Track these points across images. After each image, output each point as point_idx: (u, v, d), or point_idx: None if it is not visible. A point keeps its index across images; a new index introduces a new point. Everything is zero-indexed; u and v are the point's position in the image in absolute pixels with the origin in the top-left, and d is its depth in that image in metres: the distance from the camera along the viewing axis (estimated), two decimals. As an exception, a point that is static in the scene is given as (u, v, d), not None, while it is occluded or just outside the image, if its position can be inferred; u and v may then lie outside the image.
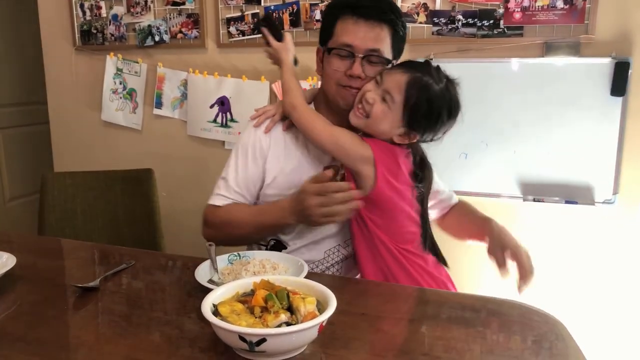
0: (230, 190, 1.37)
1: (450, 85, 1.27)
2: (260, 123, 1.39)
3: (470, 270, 2.27)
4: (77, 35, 2.72)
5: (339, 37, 1.28)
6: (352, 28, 1.26)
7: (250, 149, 1.38)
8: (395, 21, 1.28)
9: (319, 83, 1.43)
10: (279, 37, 1.41)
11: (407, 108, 1.21)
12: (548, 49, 1.99)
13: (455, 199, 1.61)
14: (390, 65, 1.29)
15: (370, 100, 1.22)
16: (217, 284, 1.03)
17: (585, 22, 1.94)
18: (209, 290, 0.94)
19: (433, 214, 1.59)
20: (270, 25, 1.43)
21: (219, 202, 1.37)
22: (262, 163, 1.37)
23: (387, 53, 1.29)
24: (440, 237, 1.96)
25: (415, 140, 1.28)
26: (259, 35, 2.35)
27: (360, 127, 1.27)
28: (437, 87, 1.23)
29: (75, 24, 2.71)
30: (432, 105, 1.22)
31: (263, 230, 1.34)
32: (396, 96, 1.21)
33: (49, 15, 2.79)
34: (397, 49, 1.33)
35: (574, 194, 2.04)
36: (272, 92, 2.34)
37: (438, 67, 1.28)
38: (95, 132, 2.80)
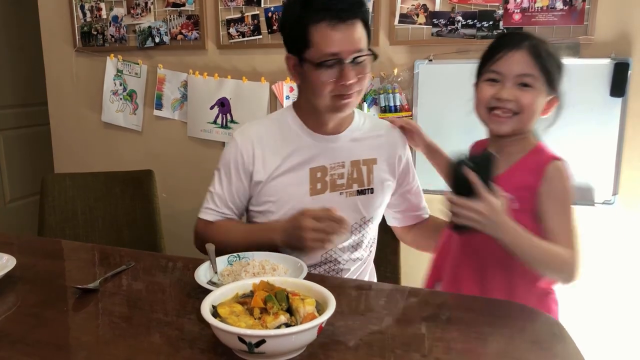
0: (218, 204, 1.39)
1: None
2: None
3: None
4: (77, 37, 2.73)
5: (322, 47, 1.22)
6: (332, 34, 1.21)
7: (233, 165, 1.38)
8: (364, 11, 1.26)
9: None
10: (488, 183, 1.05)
11: (545, 73, 1.19)
12: (547, 50, 1.99)
13: (427, 213, 1.58)
14: (372, 54, 1.28)
15: (510, 97, 1.18)
16: (217, 285, 1.03)
17: (585, 23, 1.94)
18: (208, 291, 0.94)
19: (394, 220, 1.57)
20: (482, 165, 1.06)
21: (209, 217, 1.39)
22: (247, 177, 1.38)
23: (366, 45, 1.27)
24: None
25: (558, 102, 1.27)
26: (259, 37, 2.36)
27: (513, 131, 1.21)
28: (540, 36, 1.23)
29: (76, 26, 2.72)
30: (554, 53, 1.22)
31: (252, 248, 1.27)
32: (532, 71, 1.17)
33: (49, 17, 2.79)
34: (367, 36, 1.29)
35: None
36: (272, 93, 2.35)
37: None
38: (96, 133, 2.80)
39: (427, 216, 1.57)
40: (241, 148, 1.37)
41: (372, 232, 1.48)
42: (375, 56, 1.28)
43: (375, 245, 1.53)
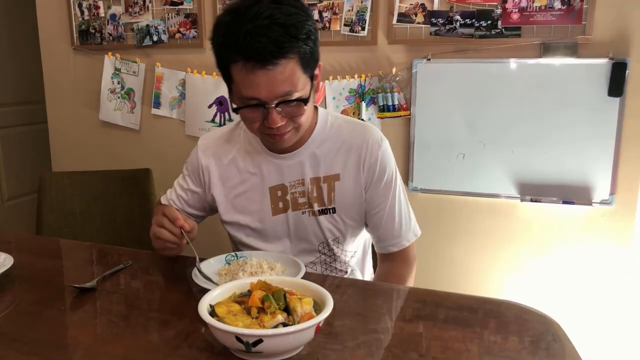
0: (173, 193, 1.41)
1: None
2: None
3: (469, 270, 2.28)
4: (75, 35, 2.72)
5: (241, 89, 1.09)
6: (251, 79, 1.05)
7: (191, 169, 1.37)
8: (297, 45, 1.05)
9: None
10: None
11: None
12: (546, 49, 1.99)
13: (396, 246, 1.32)
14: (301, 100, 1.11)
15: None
16: (215, 284, 1.03)
17: (583, 22, 1.95)
18: (206, 290, 0.94)
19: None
20: None
21: (163, 199, 1.44)
22: (201, 186, 1.36)
23: (302, 85, 1.09)
24: (442, 236, 1.97)
25: None
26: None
27: None
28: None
29: (74, 24, 2.71)
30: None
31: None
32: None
33: (47, 15, 2.79)
34: (313, 62, 1.12)
35: (571, 194, 2.05)
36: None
37: None
38: (93, 131, 2.80)
39: (394, 250, 1.33)
40: (200, 159, 1.34)
41: (350, 248, 1.35)
42: (305, 102, 1.11)
43: (362, 252, 1.43)
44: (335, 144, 1.28)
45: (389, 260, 1.35)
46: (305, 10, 1.09)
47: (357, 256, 1.40)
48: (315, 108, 1.31)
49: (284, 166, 1.28)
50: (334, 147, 1.27)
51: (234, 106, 1.14)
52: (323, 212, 1.28)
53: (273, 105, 1.08)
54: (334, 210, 1.28)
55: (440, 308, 1.03)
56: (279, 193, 1.28)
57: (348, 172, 1.27)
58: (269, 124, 1.10)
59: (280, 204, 1.29)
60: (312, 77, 1.14)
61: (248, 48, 1.03)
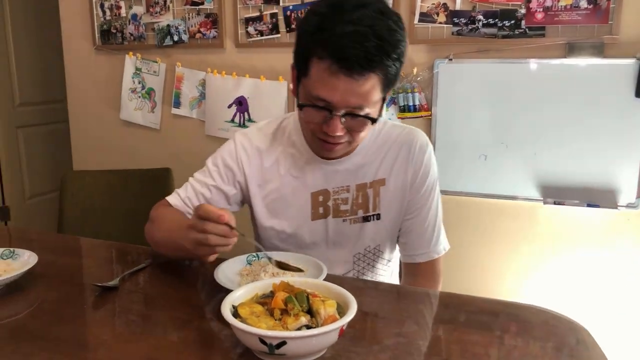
0: (187, 193, 1.27)
1: None
2: None
3: (491, 273, 2.25)
4: (97, 35, 2.75)
5: (314, 87, 1.04)
6: (330, 81, 1.01)
7: (222, 164, 1.27)
8: (386, 64, 1.01)
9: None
10: None
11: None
12: (571, 49, 1.96)
13: (423, 257, 1.28)
14: (371, 119, 1.07)
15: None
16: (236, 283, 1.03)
17: (610, 22, 1.91)
18: (227, 290, 0.94)
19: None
20: None
21: (172, 199, 1.28)
22: (233, 184, 1.27)
23: (374, 103, 1.06)
24: (463, 239, 1.95)
25: None
26: (277, 35, 2.35)
27: None
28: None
29: (95, 24, 2.74)
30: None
31: (171, 248, 1.15)
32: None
33: (69, 15, 2.82)
34: (391, 85, 1.09)
35: (596, 197, 2.01)
36: (290, 92, 2.34)
37: None
38: (114, 131, 2.82)
39: (421, 260, 1.28)
40: (240, 157, 1.26)
41: (388, 257, 1.32)
42: (373, 121, 1.08)
43: (396, 260, 1.38)
44: (383, 148, 1.24)
45: (414, 273, 1.30)
46: (403, 30, 1.04)
47: (391, 267, 1.35)
48: None
49: (330, 171, 1.23)
50: (382, 152, 1.24)
51: (299, 103, 1.09)
52: (367, 218, 1.25)
53: (339, 114, 1.04)
54: (378, 216, 1.25)
55: (464, 312, 1.01)
56: (321, 198, 1.24)
57: (394, 176, 1.23)
58: (328, 130, 1.07)
59: (321, 210, 1.25)
60: (385, 97, 1.10)
61: (341, 51, 0.98)
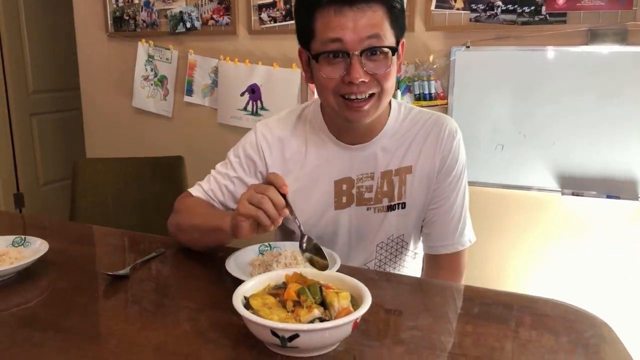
0: (210, 186, 1.25)
1: None
2: None
3: (506, 266, 2.22)
4: (109, 22, 2.74)
5: (323, 34, 1.03)
6: (337, 20, 1.01)
7: (244, 155, 1.25)
8: None
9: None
10: None
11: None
12: (593, 36, 1.90)
13: (448, 249, 1.24)
14: (396, 53, 1.06)
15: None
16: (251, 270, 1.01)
17: (634, 8, 1.85)
18: (238, 280, 0.92)
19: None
20: None
21: (195, 191, 1.26)
22: (254, 174, 1.25)
23: (389, 37, 1.05)
24: (479, 230, 1.89)
25: None
26: (291, 22, 2.32)
27: None
28: None
29: (108, 11, 2.73)
30: None
31: (204, 232, 1.13)
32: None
33: (82, 3, 2.81)
34: (399, 27, 1.07)
35: (616, 188, 1.96)
36: (302, 79, 2.31)
37: None
38: (127, 118, 2.82)
39: (444, 252, 1.25)
40: (262, 148, 1.24)
41: (413, 248, 1.29)
42: (394, 51, 1.05)
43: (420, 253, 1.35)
44: (409, 134, 1.20)
45: (437, 266, 1.27)
46: None
47: (417, 259, 1.33)
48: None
49: (354, 157, 1.20)
50: (408, 138, 1.20)
51: (314, 55, 1.06)
52: (392, 207, 1.21)
53: (357, 53, 1.02)
54: (403, 205, 1.21)
55: (482, 305, 0.99)
56: (344, 187, 1.21)
57: (421, 163, 1.19)
58: (351, 78, 1.03)
59: (344, 199, 1.21)
60: (398, 41, 1.08)
61: None
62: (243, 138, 1.29)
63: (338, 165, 1.21)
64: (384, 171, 1.20)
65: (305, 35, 1.08)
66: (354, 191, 1.21)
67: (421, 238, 1.29)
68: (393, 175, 1.20)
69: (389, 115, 1.20)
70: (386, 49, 1.04)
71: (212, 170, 1.29)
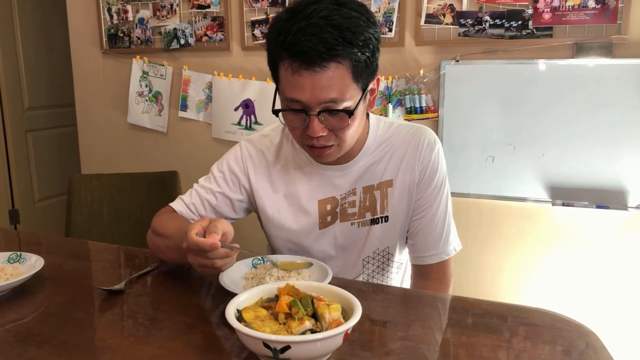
0: (190, 200, 1.26)
1: None
2: None
3: (498, 276, 2.24)
4: (104, 39, 2.77)
5: (285, 90, 1.03)
6: (294, 80, 1.00)
7: (228, 171, 1.26)
8: (349, 50, 0.98)
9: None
10: None
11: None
12: (579, 50, 1.94)
13: (431, 259, 1.24)
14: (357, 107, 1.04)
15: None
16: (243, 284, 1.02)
17: (618, 22, 1.89)
18: (232, 293, 0.94)
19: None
20: None
21: (176, 205, 1.26)
22: (239, 191, 1.26)
23: (350, 94, 1.02)
24: (471, 241, 1.93)
25: None
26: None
27: None
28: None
29: (103, 28, 2.76)
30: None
31: (179, 251, 1.05)
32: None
33: (77, 20, 2.84)
34: (368, 75, 1.05)
35: (605, 199, 1.99)
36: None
37: None
38: (122, 134, 2.83)
39: (430, 262, 1.24)
40: (247, 164, 1.25)
41: (399, 259, 1.30)
42: (350, 114, 1.03)
43: (405, 267, 1.36)
44: (389, 149, 1.21)
45: (424, 277, 1.27)
46: (368, 16, 1.02)
47: (402, 269, 1.33)
48: (367, 115, 1.22)
49: (336, 177, 1.21)
50: (388, 153, 1.21)
51: (277, 108, 1.08)
52: (375, 221, 1.22)
53: (315, 113, 1.02)
54: (386, 218, 1.22)
55: (471, 315, 1.00)
56: (329, 207, 1.23)
57: (401, 176, 1.20)
58: (309, 132, 1.04)
59: (329, 218, 1.23)
60: (365, 90, 1.06)
61: (296, 46, 0.97)
62: (227, 153, 1.30)
63: (321, 185, 1.22)
64: (366, 186, 1.21)
65: (273, 75, 1.09)
66: (338, 209, 1.23)
67: (407, 249, 1.30)
68: (375, 189, 1.21)
69: (368, 132, 1.21)
70: (344, 111, 1.03)
71: (195, 184, 1.29)
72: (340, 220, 1.23)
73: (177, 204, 1.27)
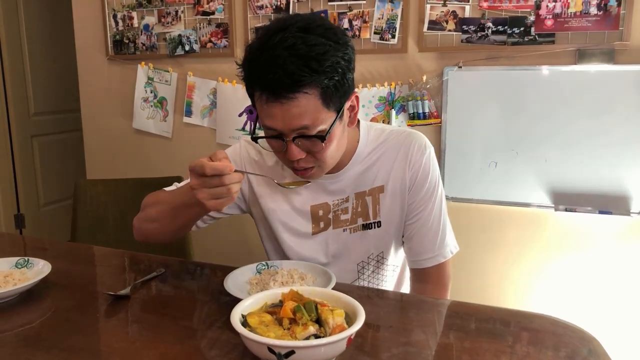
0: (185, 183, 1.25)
1: None
2: None
3: (501, 282, 2.24)
4: (109, 45, 2.79)
5: (261, 117, 1.06)
6: (267, 109, 1.02)
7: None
8: (317, 79, 0.98)
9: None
10: None
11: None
12: (581, 56, 1.95)
13: (427, 263, 1.24)
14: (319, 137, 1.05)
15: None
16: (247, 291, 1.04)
17: (620, 28, 1.90)
18: (237, 298, 0.95)
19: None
20: None
21: (167, 188, 1.29)
22: (240, 195, 1.28)
23: (322, 119, 1.03)
24: (474, 246, 1.94)
25: None
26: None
27: None
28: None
29: (108, 34, 2.78)
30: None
31: (176, 212, 1.16)
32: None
33: (83, 26, 2.86)
34: (339, 96, 1.04)
35: (608, 204, 1.99)
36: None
37: None
38: (127, 139, 2.85)
39: (428, 265, 1.24)
40: (244, 156, 1.28)
41: (392, 262, 1.31)
42: (322, 139, 1.04)
43: (401, 269, 1.36)
44: (380, 155, 1.22)
45: (422, 280, 1.27)
46: (337, 39, 1.02)
47: (397, 272, 1.34)
48: (358, 123, 1.24)
49: (328, 185, 1.23)
50: (379, 159, 1.22)
51: (258, 134, 1.11)
52: (367, 226, 1.23)
53: (290, 139, 1.04)
54: (379, 224, 1.23)
55: (473, 320, 1.01)
56: (321, 212, 1.24)
57: (393, 181, 1.21)
58: (288, 156, 1.07)
59: (322, 224, 1.25)
60: (340, 110, 1.07)
61: (264, 79, 0.99)
62: (227, 149, 1.31)
63: (314, 191, 1.24)
64: (358, 192, 1.22)
65: (252, 103, 1.10)
66: (331, 215, 1.24)
67: (404, 254, 1.31)
68: (366, 195, 1.22)
69: (358, 140, 1.22)
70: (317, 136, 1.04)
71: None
72: (332, 227, 1.25)
73: (169, 188, 1.30)
